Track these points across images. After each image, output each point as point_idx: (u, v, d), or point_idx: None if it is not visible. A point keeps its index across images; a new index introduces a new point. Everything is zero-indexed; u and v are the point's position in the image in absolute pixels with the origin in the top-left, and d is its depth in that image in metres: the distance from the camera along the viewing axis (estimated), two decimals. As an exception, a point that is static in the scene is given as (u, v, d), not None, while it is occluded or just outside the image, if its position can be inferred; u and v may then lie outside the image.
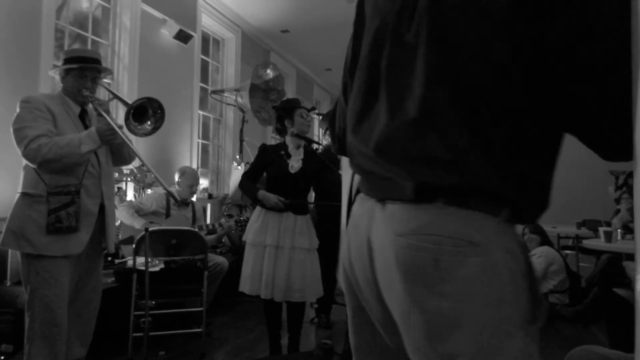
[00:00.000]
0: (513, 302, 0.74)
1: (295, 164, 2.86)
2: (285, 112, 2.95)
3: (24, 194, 2.16)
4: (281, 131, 3.01)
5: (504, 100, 0.75)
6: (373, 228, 0.87)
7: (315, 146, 3.08)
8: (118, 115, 4.32)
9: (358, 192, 0.98)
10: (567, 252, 6.46)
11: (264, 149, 2.99)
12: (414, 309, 0.77)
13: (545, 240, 4.65)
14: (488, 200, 0.74)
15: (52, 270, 2.15)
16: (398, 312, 0.82)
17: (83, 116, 2.37)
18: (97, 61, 2.40)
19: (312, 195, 3.62)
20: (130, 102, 2.25)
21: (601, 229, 4.14)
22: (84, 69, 2.33)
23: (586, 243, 4.76)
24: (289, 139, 2.95)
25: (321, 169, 2.97)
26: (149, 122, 2.31)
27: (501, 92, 0.74)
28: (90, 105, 2.40)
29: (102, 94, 2.82)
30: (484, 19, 0.73)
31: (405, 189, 0.79)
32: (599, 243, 4.44)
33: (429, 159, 0.77)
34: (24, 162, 2.21)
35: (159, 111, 2.31)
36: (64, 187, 2.16)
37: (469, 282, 0.73)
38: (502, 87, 0.74)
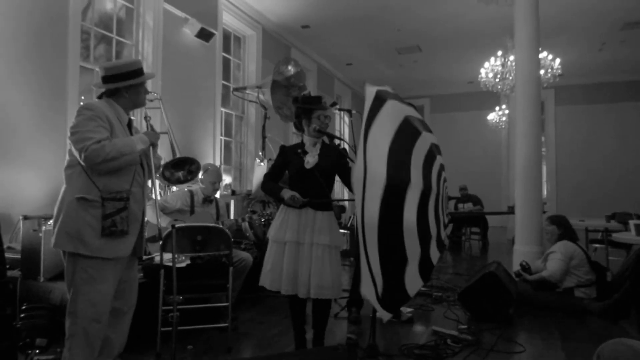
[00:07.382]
0: None
1: (310, 159, 2.89)
2: (304, 112, 2.97)
3: (80, 199, 2.23)
4: (298, 127, 3.06)
5: None
6: None
7: (337, 141, 3.08)
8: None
9: None
10: (596, 245, 6.30)
11: (282, 150, 3.05)
12: None
13: (564, 233, 4.28)
14: None
15: (98, 269, 2.25)
16: None
17: (130, 124, 2.49)
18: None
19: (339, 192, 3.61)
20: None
21: (632, 222, 4.03)
22: (143, 82, 2.47)
23: (616, 237, 4.65)
24: (306, 138, 2.97)
25: (339, 162, 2.95)
26: (181, 173, 2.74)
27: None
28: (130, 113, 2.53)
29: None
30: None
31: None
32: (629, 236, 4.33)
33: None
34: (69, 169, 2.27)
35: (195, 171, 2.77)
36: (117, 193, 2.27)
37: None
38: None
